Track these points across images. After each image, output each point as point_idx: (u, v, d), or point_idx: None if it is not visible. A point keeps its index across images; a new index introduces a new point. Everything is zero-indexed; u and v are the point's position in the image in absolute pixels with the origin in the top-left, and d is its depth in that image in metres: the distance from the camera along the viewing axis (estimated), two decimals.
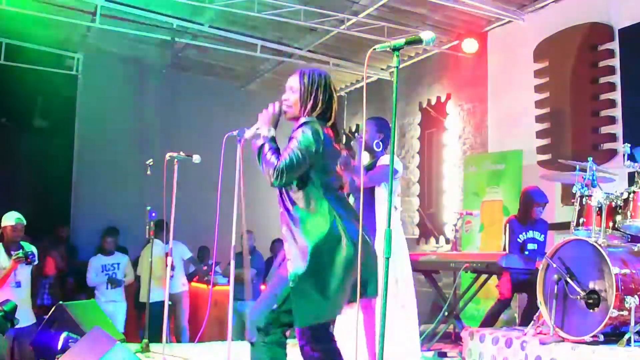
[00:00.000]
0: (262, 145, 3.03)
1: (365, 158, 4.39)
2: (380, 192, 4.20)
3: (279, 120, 3.16)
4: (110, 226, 9.11)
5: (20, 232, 5.73)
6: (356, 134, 3.15)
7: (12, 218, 5.71)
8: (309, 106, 3.07)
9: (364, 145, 4.21)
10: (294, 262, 2.90)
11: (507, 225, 5.85)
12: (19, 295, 5.59)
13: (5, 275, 5.54)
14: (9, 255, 5.60)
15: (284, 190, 3.03)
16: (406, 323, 4.12)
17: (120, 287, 7.55)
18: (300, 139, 2.95)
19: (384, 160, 4.22)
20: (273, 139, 3.07)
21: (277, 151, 3.00)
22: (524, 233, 5.78)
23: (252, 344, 2.96)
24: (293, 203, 3.00)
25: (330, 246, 2.90)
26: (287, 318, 2.93)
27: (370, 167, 4.31)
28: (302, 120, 3.03)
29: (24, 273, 5.69)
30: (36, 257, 5.81)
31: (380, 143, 4.31)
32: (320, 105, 3.07)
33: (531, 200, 5.83)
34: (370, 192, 4.23)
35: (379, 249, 3.70)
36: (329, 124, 3.10)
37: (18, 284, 5.63)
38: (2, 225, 5.72)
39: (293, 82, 3.14)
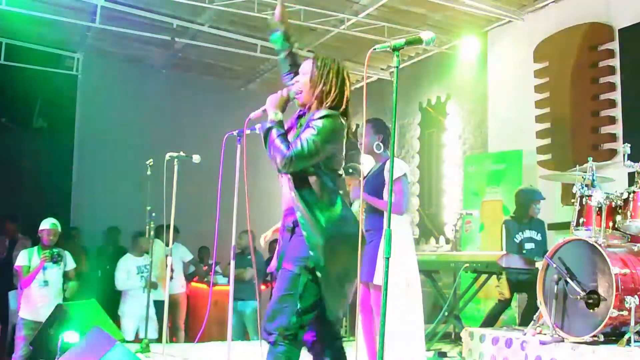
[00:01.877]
0: (270, 129, 2.97)
1: (368, 162, 4.37)
2: (386, 197, 4.18)
3: (287, 104, 3.09)
4: (112, 226, 9.12)
5: (54, 236, 6.14)
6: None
7: (48, 223, 6.16)
8: (317, 90, 3.02)
9: (364, 149, 4.21)
10: (314, 251, 2.86)
11: (503, 226, 5.86)
12: (46, 294, 5.98)
13: (32, 273, 5.97)
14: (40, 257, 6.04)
15: (295, 174, 2.97)
16: (410, 327, 4.11)
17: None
18: (319, 131, 2.89)
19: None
20: (280, 123, 3.00)
21: (285, 136, 2.94)
22: (520, 233, 5.79)
23: (271, 343, 2.88)
24: (306, 188, 2.95)
25: (346, 234, 2.88)
26: (307, 317, 2.89)
27: (375, 173, 4.29)
28: (325, 112, 2.96)
29: (53, 273, 6.06)
30: (66, 260, 6.22)
31: (381, 144, 4.28)
32: (333, 90, 3.01)
33: (528, 198, 5.85)
34: (377, 196, 4.21)
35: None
36: (341, 111, 3.03)
37: (45, 283, 6.01)
38: (40, 229, 6.16)
39: (306, 65, 3.11)
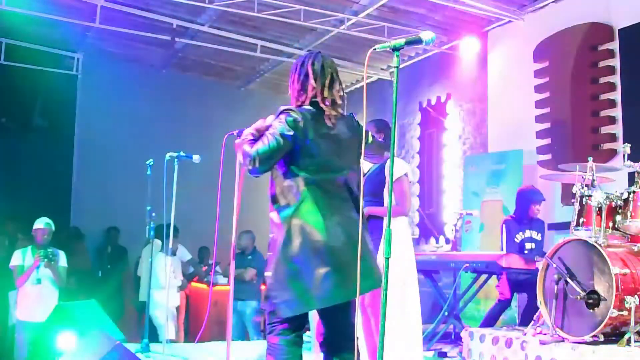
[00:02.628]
0: (242, 140, 3.03)
1: (367, 161, 4.37)
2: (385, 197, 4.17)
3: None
4: (111, 226, 9.11)
5: (49, 235, 6.30)
6: None
7: (42, 222, 6.31)
8: (291, 93, 3.10)
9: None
10: (272, 252, 2.95)
11: (503, 226, 5.86)
12: (39, 293, 6.15)
13: (26, 272, 6.13)
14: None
15: (270, 178, 3.03)
16: (408, 329, 4.09)
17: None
18: (274, 126, 2.94)
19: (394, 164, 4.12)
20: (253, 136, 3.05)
21: (253, 141, 2.98)
22: (521, 233, 5.79)
23: (269, 343, 3.00)
24: (272, 191, 3.01)
25: (297, 235, 2.89)
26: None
27: (375, 171, 4.27)
28: (280, 108, 3.01)
29: (46, 272, 6.19)
30: (60, 259, 6.33)
31: (382, 143, 4.28)
32: (298, 88, 3.05)
33: (529, 199, 5.84)
34: (377, 196, 4.18)
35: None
36: (324, 104, 3.01)
37: (38, 281, 6.16)
38: (34, 228, 6.32)
39: None
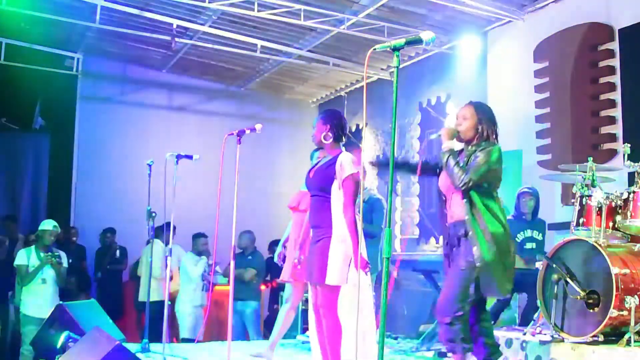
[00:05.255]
0: (448, 157, 3.99)
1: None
2: (335, 193, 3.88)
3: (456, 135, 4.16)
4: (107, 227, 9.09)
5: (55, 237, 6.72)
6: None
7: (50, 225, 6.64)
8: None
9: (314, 140, 4.04)
10: None
11: None
12: (44, 291, 6.49)
13: (33, 272, 6.45)
14: (39, 257, 6.50)
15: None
16: (362, 325, 4.01)
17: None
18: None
19: (345, 160, 3.85)
20: (453, 152, 4.00)
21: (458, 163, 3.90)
22: (521, 232, 5.79)
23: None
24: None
25: None
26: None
27: (325, 165, 3.99)
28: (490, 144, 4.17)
29: (50, 272, 6.53)
30: (64, 261, 6.68)
31: (330, 134, 3.96)
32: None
33: (518, 195, 5.90)
34: (325, 192, 3.92)
35: (338, 248, 3.74)
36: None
37: (43, 281, 6.50)
38: (40, 229, 6.62)
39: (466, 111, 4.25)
